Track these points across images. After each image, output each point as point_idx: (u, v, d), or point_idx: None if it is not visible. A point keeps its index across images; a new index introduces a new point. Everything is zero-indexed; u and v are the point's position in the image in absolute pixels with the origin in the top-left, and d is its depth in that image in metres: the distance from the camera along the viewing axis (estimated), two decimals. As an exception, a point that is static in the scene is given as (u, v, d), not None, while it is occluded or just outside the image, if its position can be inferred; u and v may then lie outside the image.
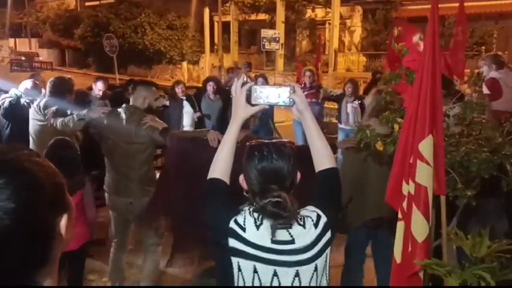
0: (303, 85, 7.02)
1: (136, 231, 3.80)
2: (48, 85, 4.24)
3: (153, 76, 25.21)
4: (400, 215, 2.04)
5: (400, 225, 2.03)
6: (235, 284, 1.53)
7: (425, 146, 1.91)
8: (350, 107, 6.65)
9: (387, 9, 20.54)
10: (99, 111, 3.52)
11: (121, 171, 3.46)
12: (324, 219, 1.56)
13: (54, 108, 3.86)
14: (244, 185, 1.62)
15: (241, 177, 1.63)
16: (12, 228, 0.78)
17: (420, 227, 1.92)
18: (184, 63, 25.65)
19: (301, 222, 1.53)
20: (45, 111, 3.96)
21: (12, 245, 0.78)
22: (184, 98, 6.40)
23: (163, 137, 3.23)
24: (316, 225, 1.54)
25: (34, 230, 0.82)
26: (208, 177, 1.67)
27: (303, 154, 1.72)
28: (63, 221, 0.88)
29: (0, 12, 34.70)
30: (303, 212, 1.57)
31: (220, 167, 1.65)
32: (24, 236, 0.80)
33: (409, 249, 1.95)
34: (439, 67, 2.03)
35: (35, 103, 4.17)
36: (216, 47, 25.53)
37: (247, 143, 1.66)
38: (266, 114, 6.36)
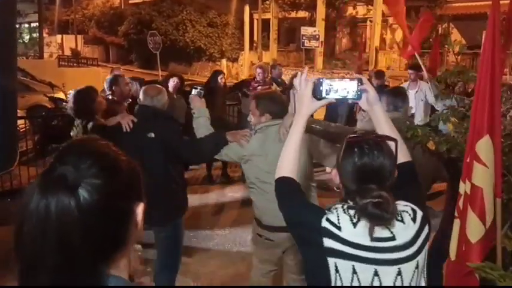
0: (255, 81, 6.83)
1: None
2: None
3: (193, 73, 25.59)
4: (456, 213, 2.01)
5: (455, 224, 1.99)
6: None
7: (482, 146, 1.86)
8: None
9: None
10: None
11: None
12: (420, 213, 1.45)
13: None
14: (337, 180, 1.51)
15: (334, 172, 1.51)
16: (99, 203, 0.82)
17: (474, 228, 1.88)
18: (224, 61, 25.84)
19: (399, 218, 1.40)
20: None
21: (98, 221, 0.82)
22: None
23: None
24: (414, 219, 1.43)
25: (116, 208, 0.86)
26: (277, 177, 1.59)
27: None
28: (140, 210, 0.91)
29: (49, 9, 36.08)
30: (398, 207, 1.43)
31: (288, 165, 1.58)
32: (108, 213, 0.84)
33: (463, 248, 1.92)
34: (499, 65, 1.97)
35: None
36: (255, 44, 25.61)
37: (346, 138, 1.47)
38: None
